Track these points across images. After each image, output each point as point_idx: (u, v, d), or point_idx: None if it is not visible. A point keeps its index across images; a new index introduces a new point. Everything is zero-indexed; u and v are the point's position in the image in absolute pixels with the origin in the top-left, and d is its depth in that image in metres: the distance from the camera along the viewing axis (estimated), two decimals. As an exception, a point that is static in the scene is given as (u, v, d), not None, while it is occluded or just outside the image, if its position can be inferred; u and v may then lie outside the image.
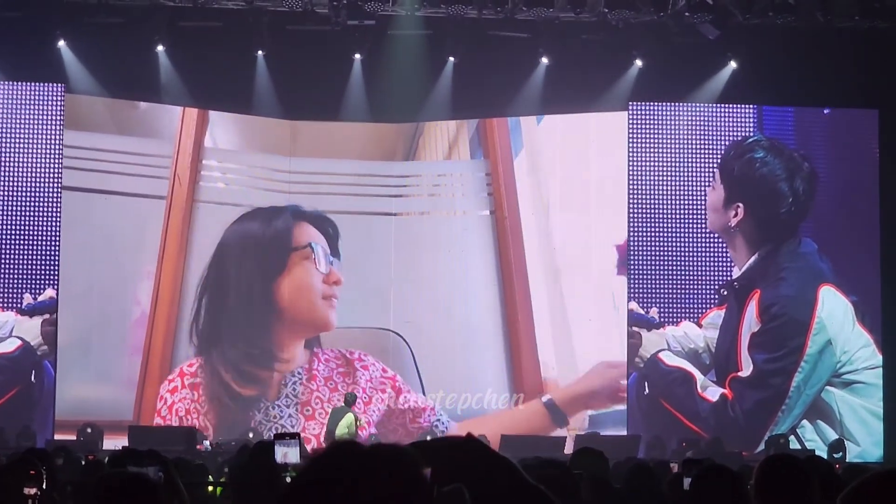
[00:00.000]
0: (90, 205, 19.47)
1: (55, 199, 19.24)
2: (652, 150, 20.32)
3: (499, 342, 20.19)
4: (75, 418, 18.83)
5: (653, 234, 20.20)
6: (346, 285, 19.94)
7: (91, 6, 18.88)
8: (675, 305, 20.13)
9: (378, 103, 20.13)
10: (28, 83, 19.43)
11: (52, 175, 19.27)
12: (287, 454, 7.14)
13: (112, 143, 19.64)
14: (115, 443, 17.61)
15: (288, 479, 6.37)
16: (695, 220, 20.26)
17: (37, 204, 19.23)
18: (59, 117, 19.34)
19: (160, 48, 19.54)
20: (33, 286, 19.13)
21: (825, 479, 5.59)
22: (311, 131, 20.58)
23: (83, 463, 10.11)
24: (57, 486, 7.30)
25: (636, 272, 20.15)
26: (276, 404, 19.65)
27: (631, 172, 20.24)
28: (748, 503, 5.18)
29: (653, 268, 20.17)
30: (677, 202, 20.27)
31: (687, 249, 20.22)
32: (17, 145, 19.29)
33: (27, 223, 19.21)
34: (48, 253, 19.18)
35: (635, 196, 20.22)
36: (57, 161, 19.28)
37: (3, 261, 19.16)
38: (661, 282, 20.14)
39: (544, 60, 19.99)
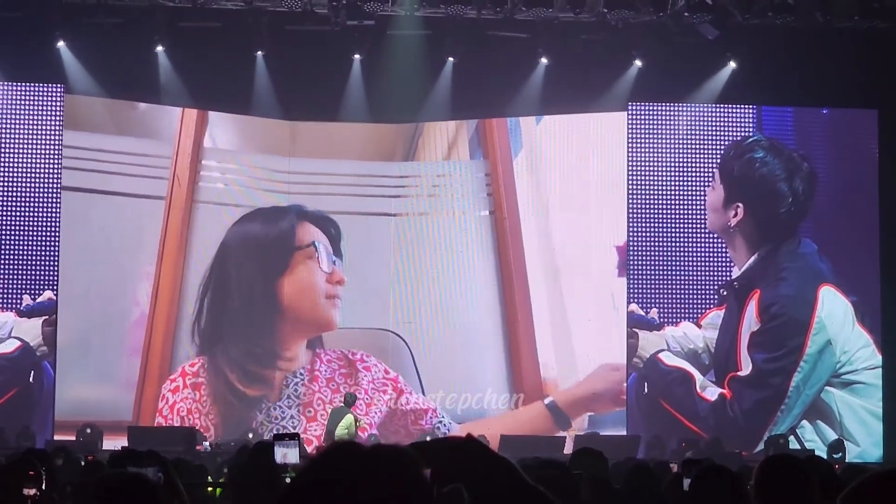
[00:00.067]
0: (90, 205, 19.47)
1: (55, 200, 19.25)
2: (651, 150, 20.33)
3: (498, 342, 20.19)
4: (75, 419, 18.84)
5: (652, 234, 20.21)
6: (346, 285, 19.93)
7: (90, 6, 18.87)
8: (674, 305, 20.13)
9: (377, 103, 20.13)
10: (27, 84, 19.44)
11: (51, 176, 19.28)
12: (286, 455, 7.13)
13: (111, 144, 19.64)
14: (114, 443, 17.61)
15: (287, 480, 6.37)
16: (694, 221, 20.27)
17: (36, 204, 19.24)
18: (58, 118, 19.34)
19: (159, 48, 19.54)
20: (33, 287, 19.13)
21: (825, 480, 5.59)
22: (310, 132, 20.56)
23: (83, 463, 10.11)
24: (56, 487, 7.30)
25: (636, 272, 20.16)
26: (277, 405, 19.65)
27: (630, 173, 20.25)
28: (748, 503, 5.17)
29: (652, 268, 20.18)
30: (677, 202, 20.28)
31: (686, 250, 20.23)
32: (16, 146, 19.29)
33: (26, 224, 19.21)
34: (48, 253, 19.19)
35: (635, 196, 20.23)
36: (56, 162, 19.28)
37: (2, 261, 19.16)
38: (661, 282, 20.15)
39: (544, 60, 19.99)
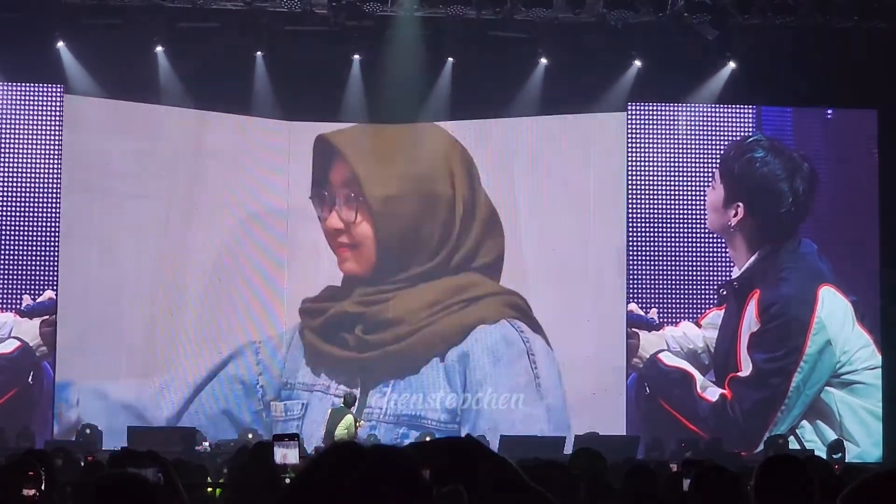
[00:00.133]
0: (89, 206, 19.47)
1: (54, 200, 19.24)
2: (651, 150, 20.33)
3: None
4: (74, 419, 18.85)
5: (652, 234, 20.22)
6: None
7: (90, 7, 18.87)
8: (674, 306, 20.13)
9: (377, 104, 20.11)
10: (27, 84, 19.44)
11: (51, 176, 19.27)
12: (286, 455, 7.12)
13: (111, 144, 19.63)
14: (114, 444, 17.62)
15: (287, 481, 6.37)
16: (694, 220, 20.27)
17: (36, 204, 19.24)
18: (57, 118, 19.34)
19: (159, 49, 19.54)
20: (32, 287, 19.13)
21: (824, 480, 5.58)
22: (309, 132, 20.53)
23: (82, 464, 10.10)
24: (56, 487, 7.29)
25: (635, 272, 20.16)
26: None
27: (630, 173, 20.25)
28: (748, 504, 5.17)
29: (652, 268, 20.18)
30: (677, 202, 20.28)
31: (686, 250, 20.23)
32: (16, 146, 19.29)
33: (26, 224, 19.21)
34: (47, 254, 19.18)
35: (634, 197, 20.23)
36: (56, 162, 19.28)
37: (2, 262, 19.16)
38: (661, 282, 20.15)
39: (543, 61, 19.99)
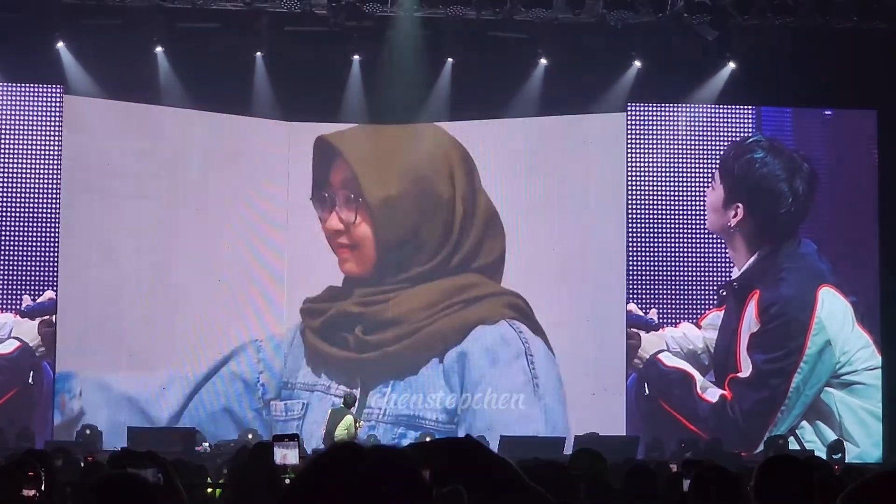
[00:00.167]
0: (89, 206, 19.46)
1: (54, 201, 19.24)
2: (651, 150, 20.33)
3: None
4: (74, 419, 18.86)
5: (652, 234, 20.22)
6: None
7: (90, 7, 18.87)
8: (674, 306, 20.14)
9: (377, 104, 20.12)
10: (27, 84, 19.44)
11: (51, 176, 19.28)
12: (286, 455, 7.12)
13: (111, 144, 19.63)
14: (114, 444, 17.62)
15: (287, 481, 6.37)
16: (694, 221, 20.27)
17: (36, 205, 19.24)
18: (57, 118, 19.34)
19: (159, 49, 19.54)
20: (32, 287, 19.13)
21: (824, 480, 5.58)
22: (309, 133, 20.54)
23: (82, 464, 10.10)
24: (56, 488, 7.29)
25: (635, 273, 20.16)
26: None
27: (630, 173, 20.25)
28: (747, 504, 5.17)
29: (652, 268, 20.18)
30: (677, 202, 20.28)
31: (686, 250, 20.24)
32: (16, 146, 19.29)
33: (26, 224, 19.21)
34: (47, 254, 19.18)
35: (634, 197, 20.23)
36: (56, 162, 19.28)
37: (2, 262, 19.16)
38: (661, 282, 20.15)
39: (543, 61, 19.99)
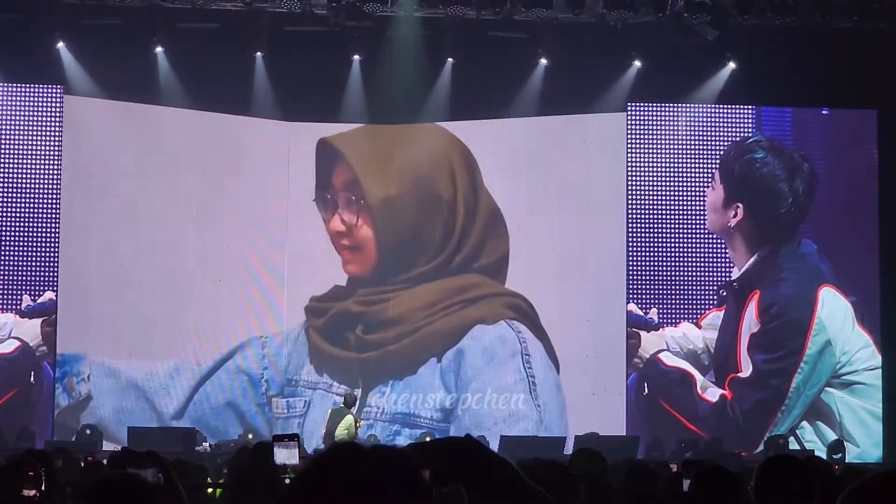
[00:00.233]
0: (89, 206, 19.46)
1: (54, 201, 19.24)
2: (651, 150, 20.33)
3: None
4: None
5: (652, 234, 20.22)
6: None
7: (90, 8, 18.87)
8: (674, 306, 20.13)
9: (377, 104, 20.12)
10: (27, 85, 19.44)
11: (50, 176, 19.28)
12: (286, 455, 7.13)
13: (111, 145, 19.63)
14: (114, 444, 17.64)
15: (287, 481, 6.36)
16: (694, 221, 20.27)
17: (36, 205, 19.24)
18: (57, 119, 19.34)
19: (159, 49, 19.54)
20: (32, 288, 19.13)
21: (824, 480, 5.58)
22: (309, 133, 20.53)
23: (82, 464, 10.10)
24: (56, 488, 7.29)
25: (635, 272, 20.16)
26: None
27: (630, 173, 20.25)
28: (748, 504, 5.17)
29: (652, 268, 20.18)
30: (676, 203, 20.28)
31: (686, 250, 20.24)
32: (16, 147, 19.29)
33: (26, 225, 19.21)
34: (47, 254, 19.19)
35: (634, 197, 20.23)
36: (56, 162, 19.28)
37: (2, 262, 19.16)
38: (661, 282, 20.15)
39: (543, 61, 19.99)
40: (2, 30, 18.86)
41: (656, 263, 20.19)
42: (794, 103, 20.58)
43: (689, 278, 20.20)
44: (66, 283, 19.18)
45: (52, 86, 19.39)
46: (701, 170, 20.38)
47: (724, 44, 19.54)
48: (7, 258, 19.15)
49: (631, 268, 20.16)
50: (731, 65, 20.11)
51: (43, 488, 6.14)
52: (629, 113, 20.32)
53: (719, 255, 20.26)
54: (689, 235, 20.26)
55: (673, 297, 20.16)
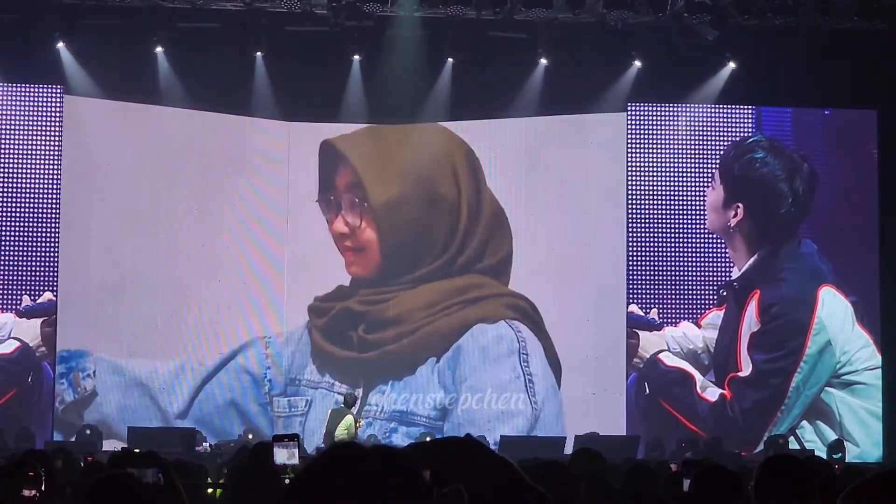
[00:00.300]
0: (89, 207, 19.46)
1: (54, 201, 19.24)
2: (651, 150, 20.34)
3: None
4: (74, 419, 18.88)
5: (652, 234, 20.22)
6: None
7: (89, 8, 18.86)
8: (674, 306, 20.14)
9: (377, 104, 20.11)
10: (26, 85, 19.44)
11: (50, 176, 19.28)
12: (286, 455, 7.12)
13: (111, 145, 19.63)
14: (114, 444, 17.64)
15: (287, 481, 6.36)
16: (694, 221, 20.27)
17: (36, 205, 19.24)
18: (57, 119, 19.34)
19: (159, 49, 19.53)
20: (32, 288, 19.13)
21: (825, 480, 5.58)
22: (309, 133, 20.53)
23: (82, 465, 10.10)
24: (56, 488, 7.29)
25: (635, 273, 20.16)
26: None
27: (630, 173, 20.25)
28: (748, 504, 5.17)
29: (652, 268, 20.19)
30: (677, 203, 20.28)
31: (686, 250, 20.24)
32: (16, 146, 19.29)
33: (26, 225, 19.21)
34: (47, 255, 19.18)
35: (634, 197, 20.23)
36: (56, 162, 19.28)
37: (2, 262, 19.16)
38: (661, 282, 20.16)
39: (543, 61, 19.99)
40: (2, 30, 18.86)
41: (656, 263, 20.19)
42: (794, 103, 20.58)
43: (689, 278, 20.21)
44: (65, 284, 19.18)
45: (52, 86, 19.39)
46: (701, 170, 20.38)
47: (724, 44, 19.53)
48: (7, 258, 19.15)
49: (631, 268, 20.16)
50: (731, 65, 20.11)
51: (43, 489, 6.13)
52: (629, 113, 20.32)
53: (719, 255, 20.26)
54: (689, 235, 20.26)
55: (673, 297, 20.16)
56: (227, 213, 20.12)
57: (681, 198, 20.30)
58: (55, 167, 19.28)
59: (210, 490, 9.21)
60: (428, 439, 17.89)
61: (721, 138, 20.48)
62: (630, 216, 20.19)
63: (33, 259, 19.18)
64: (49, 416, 18.95)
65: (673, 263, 20.20)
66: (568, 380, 19.91)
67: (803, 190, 20.33)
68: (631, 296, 20.08)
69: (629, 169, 20.24)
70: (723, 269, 20.27)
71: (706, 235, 20.27)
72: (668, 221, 20.25)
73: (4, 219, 19.20)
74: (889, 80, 19.66)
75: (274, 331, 20.09)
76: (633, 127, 20.34)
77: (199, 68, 19.51)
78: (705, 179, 20.38)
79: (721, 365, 19.97)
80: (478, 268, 20.36)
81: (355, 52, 19.89)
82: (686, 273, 20.21)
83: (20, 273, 19.15)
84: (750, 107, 20.58)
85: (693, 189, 20.34)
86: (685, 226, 20.28)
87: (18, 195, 19.24)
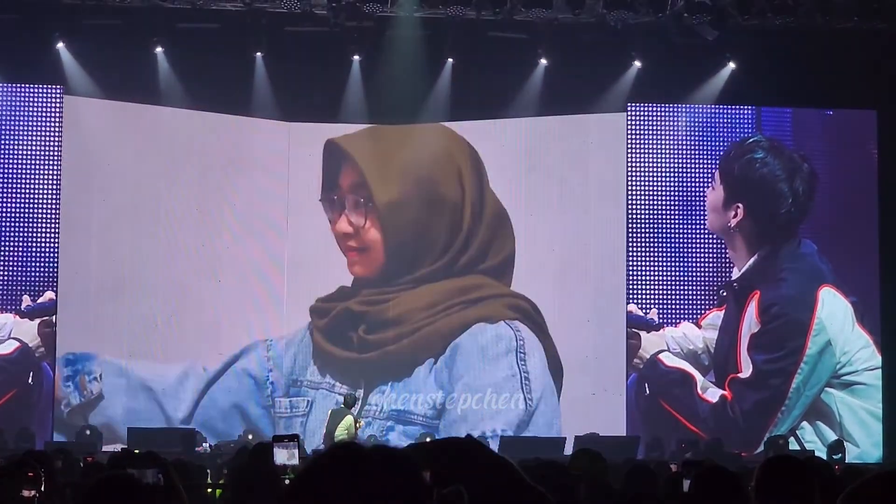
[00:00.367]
0: (89, 206, 19.46)
1: (54, 201, 19.24)
2: (651, 150, 20.34)
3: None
4: (69, 417, 18.87)
5: (652, 234, 20.21)
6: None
7: (89, 7, 18.87)
8: (674, 306, 20.13)
9: (377, 104, 20.11)
10: (26, 85, 19.44)
11: (50, 176, 19.28)
12: (286, 456, 7.12)
13: (110, 145, 19.63)
14: (114, 445, 17.64)
15: (287, 481, 6.35)
16: (694, 221, 20.27)
17: (36, 205, 19.24)
18: (57, 118, 19.34)
19: (158, 50, 19.54)
20: (32, 288, 19.13)
21: (825, 481, 5.58)
22: (309, 133, 20.54)
23: (82, 465, 10.10)
24: (56, 489, 7.29)
25: (635, 272, 20.15)
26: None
27: (630, 173, 20.25)
28: (748, 504, 5.17)
29: (652, 268, 20.18)
30: (677, 203, 20.28)
31: (686, 250, 20.23)
32: (16, 146, 19.29)
33: (26, 224, 19.20)
34: (47, 255, 19.18)
35: (634, 196, 20.23)
36: (56, 162, 19.28)
37: (2, 262, 19.16)
38: (661, 282, 20.15)
39: (543, 61, 19.99)
40: (2, 30, 18.85)
41: (656, 263, 20.19)
42: (794, 103, 20.58)
43: (689, 278, 20.20)
44: (65, 284, 19.18)
45: (52, 86, 19.39)
46: (701, 170, 20.38)
47: (724, 44, 19.53)
48: (7, 258, 19.14)
49: (631, 268, 20.15)
50: (731, 65, 20.11)
51: (42, 489, 6.13)
52: (629, 113, 20.32)
53: (719, 255, 20.26)
54: (689, 235, 20.25)
55: (673, 297, 20.16)
56: (227, 213, 20.12)
57: (681, 198, 20.29)
58: (55, 167, 19.28)
59: (210, 490, 9.21)
60: (428, 440, 17.89)
61: (721, 138, 20.49)
62: (630, 216, 20.19)
63: (33, 259, 19.18)
64: (49, 417, 18.94)
65: (673, 263, 20.20)
66: (568, 380, 19.91)
67: (803, 190, 20.33)
68: (631, 296, 20.08)
69: (629, 169, 20.24)
70: (723, 270, 20.27)
71: (706, 235, 20.26)
72: (668, 221, 20.25)
73: (4, 219, 19.19)
74: (889, 80, 19.66)
75: (275, 333, 20.09)
76: (633, 127, 20.34)
77: (199, 68, 19.51)
78: (705, 179, 20.38)
79: (721, 365, 19.96)
80: (480, 268, 20.36)
81: (355, 52, 19.89)
82: (686, 273, 20.21)
83: (20, 273, 19.14)
84: (750, 107, 20.57)
85: (693, 189, 20.34)
86: (685, 226, 20.28)
87: (18, 195, 19.23)
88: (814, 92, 20.09)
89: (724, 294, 20.18)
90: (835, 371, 19.94)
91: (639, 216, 20.22)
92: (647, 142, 20.33)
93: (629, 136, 20.28)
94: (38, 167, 19.28)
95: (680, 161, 20.35)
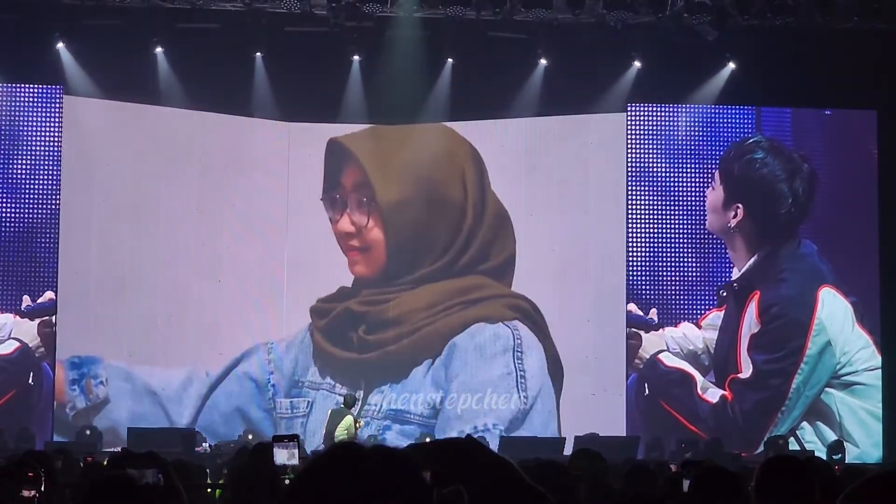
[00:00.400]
0: (89, 206, 19.46)
1: (54, 201, 19.24)
2: (651, 151, 20.33)
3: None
4: (74, 420, 18.87)
5: (652, 234, 20.21)
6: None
7: (89, 7, 18.87)
8: (674, 306, 20.13)
9: (376, 104, 20.12)
10: (26, 85, 19.44)
11: (50, 176, 19.28)
12: (286, 456, 7.12)
13: (110, 145, 19.63)
14: (115, 447, 17.62)
15: (287, 481, 6.35)
16: (694, 221, 20.27)
17: (36, 205, 19.24)
18: (57, 118, 19.34)
19: (158, 50, 19.54)
20: (32, 288, 19.13)
21: (825, 481, 5.58)
22: (309, 133, 20.54)
23: (82, 465, 10.10)
24: (56, 489, 7.29)
25: (635, 273, 20.15)
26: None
27: (630, 173, 20.25)
28: (748, 504, 5.17)
29: (652, 268, 20.18)
30: (676, 203, 20.28)
31: (686, 250, 20.23)
32: (16, 146, 19.29)
33: (26, 225, 19.20)
34: (47, 255, 19.18)
35: (634, 197, 20.23)
36: (56, 162, 19.28)
37: (2, 262, 19.16)
38: (661, 282, 20.15)
39: (543, 62, 19.99)
40: (2, 30, 18.85)
41: (656, 263, 20.18)
42: (794, 103, 20.58)
43: (689, 278, 20.20)
44: (65, 284, 19.18)
45: (52, 86, 19.40)
46: (701, 170, 20.38)
47: (724, 44, 19.53)
48: (7, 258, 19.14)
49: (631, 268, 20.15)
50: (731, 65, 20.11)
51: (42, 489, 6.13)
52: (629, 113, 20.32)
53: (719, 256, 20.25)
54: (689, 235, 20.25)
55: (673, 297, 20.15)
56: (227, 213, 20.12)
57: (681, 198, 20.29)
58: (55, 167, 19.28)
59: (210, 490, 9.21)
60: (427, 440, 17.90)
61: (721, 138, 20.48)
62: (630, 216, 20.19)
63: (33, 259, 19.18)
64: (49, 417, 18.94)
65: (673, 263, 20.20)
66: (568, 380, 19.91)
67: (803, 190, 20.32)
68: (631, 296, 20.08)
69: (629, 169, 20.24)
70: (723, 270, 20.27)
71: (706, 236, 20.26)
72: (668, 221, 20.25)
73: (4, 219, 19.19)
74: (889, 80, 19.66)
75: (275, 333, 20.08)
76: (633, 127, 20.34)
77: (199, 68, 19.51)
78: (705, 180, 20.38)
79: (721, 366, 19.96)
80: (480, 269, 20.36)
81: (355, 52, 19.90)
82: (686, 273, 20.21)
83: (20, 273, 19.14)
84: (750, 107, 20.58)
85: (693, 189, 20.34)
86: (685, 226, 20.28)
87: (18, 195, 19.23)
88: (814, 92, 20.09)
89: (724, 294, 20.18)
90: (835, 371, 19.94)
91: (639, 216, 20.22)
92: (647, 142, 20.33)
93: (629, 137, 20.28)
94: (37, 167, 19.28)
95: (680, 161, 20.35)
